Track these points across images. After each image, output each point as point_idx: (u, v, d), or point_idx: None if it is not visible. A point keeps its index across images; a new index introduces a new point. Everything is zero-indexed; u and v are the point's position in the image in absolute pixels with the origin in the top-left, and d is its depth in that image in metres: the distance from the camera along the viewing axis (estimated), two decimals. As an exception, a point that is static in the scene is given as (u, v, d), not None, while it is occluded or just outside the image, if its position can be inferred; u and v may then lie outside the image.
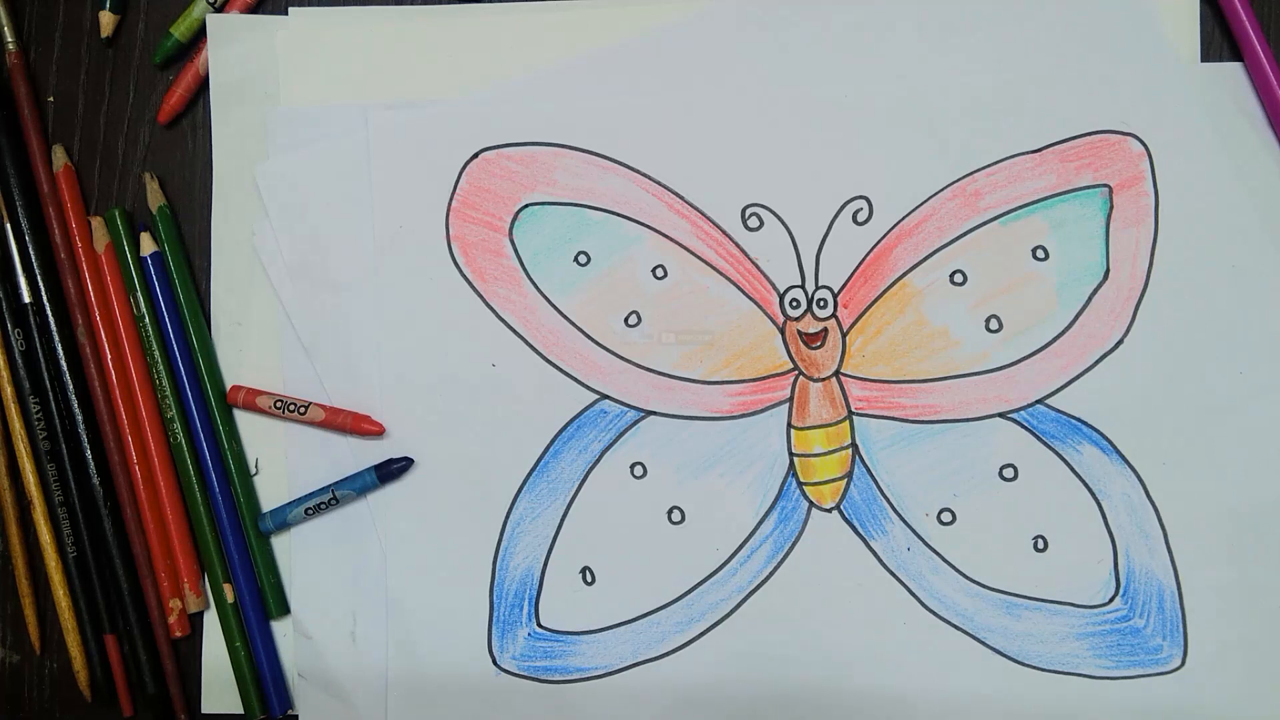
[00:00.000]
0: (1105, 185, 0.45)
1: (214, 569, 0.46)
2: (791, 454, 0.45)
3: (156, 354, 0.46)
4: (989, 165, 0.45)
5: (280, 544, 0.46)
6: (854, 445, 0.45)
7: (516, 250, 0.46)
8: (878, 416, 0.45)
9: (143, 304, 0.46)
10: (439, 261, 0.46)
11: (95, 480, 0.46)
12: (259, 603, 0.46)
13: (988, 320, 0.45)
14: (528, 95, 0.46)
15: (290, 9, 0.47)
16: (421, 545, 0.45)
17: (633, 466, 0.45)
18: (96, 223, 0.46)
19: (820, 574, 0.45)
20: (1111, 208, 0.45)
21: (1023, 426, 0.44)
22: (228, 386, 0.46)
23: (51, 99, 0.48)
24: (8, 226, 0.46)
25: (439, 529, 0.45)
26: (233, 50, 0.47)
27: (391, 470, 0.45)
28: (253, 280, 0.47)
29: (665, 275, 0.45)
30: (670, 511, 0.45)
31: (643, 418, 0.45)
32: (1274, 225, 0.44)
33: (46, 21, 0.48)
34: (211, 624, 0.46)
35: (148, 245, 0.46)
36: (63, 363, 0.46)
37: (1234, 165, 0.44)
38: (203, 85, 0.47)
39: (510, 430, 0.45)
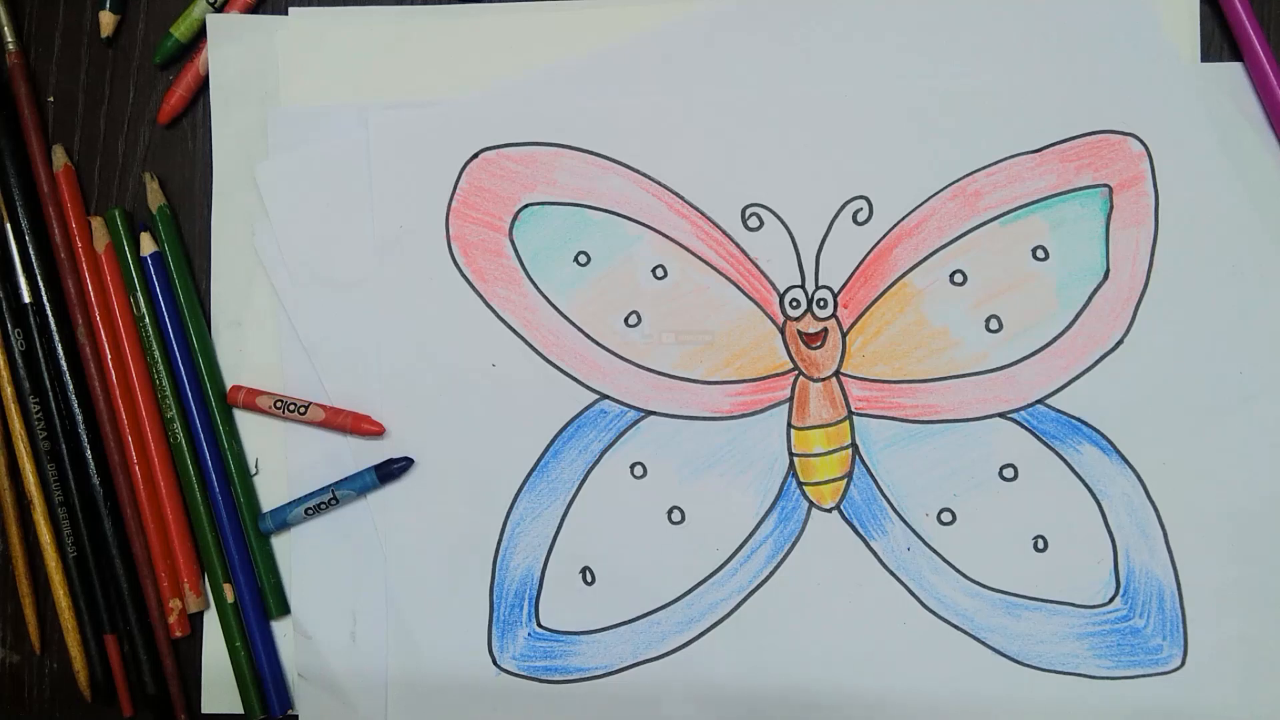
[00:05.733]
0: (1105, 185, 0.45)
1: (214, 569, 0.46)
2: (791, 454, 0.45)
3: (156, 354, 0.46)
4: (989, 165, 0.45)
5: (280, 544, 0.46)
6: (854, 445, 0.45)
7: (516, 250, 0.46)
8: (878, 416, 0.45)
9: (143, 304, 0.46)
10: (439, 261, 0.46)
11: (95, 480, 0.46)
12: (259, 603, 0.46)
13: (988, 320, 0.45)
14: (528, 95, 0.46)
15: (290, 9, 0.47)
16: (421, 545, 0.45)
17: (633, 466, 0.45)
18: (96, 223, 0.46)
19: (820, 574, 0.45)
20: (1111, 208, 0.45)
21: (1023, 426, 0.44)
22: (228, 386, 0.46)
23: (51, 99, 0.48)
24: (8, 226, 0.46)
25: (439, 529, 0.45)
26: (233, 50, 0.47)
27: (391, 470, 0.45)
28: (253, 280, 0.47)
29: (665, 275, 0.45)
30: (670, 511, 0.45)
31: (643, 418, 0.45)
32: (1274, 225, 0.44)
33: (46, 21, 0.48)
34: (211, 624, 0.46)
35: (148, 245, 0.46)
36: (63, 363, 0.46)
37: (1234, 165, 0.44)
38: (203, 85, 0.47)
39: (510, 430, 0.45)
